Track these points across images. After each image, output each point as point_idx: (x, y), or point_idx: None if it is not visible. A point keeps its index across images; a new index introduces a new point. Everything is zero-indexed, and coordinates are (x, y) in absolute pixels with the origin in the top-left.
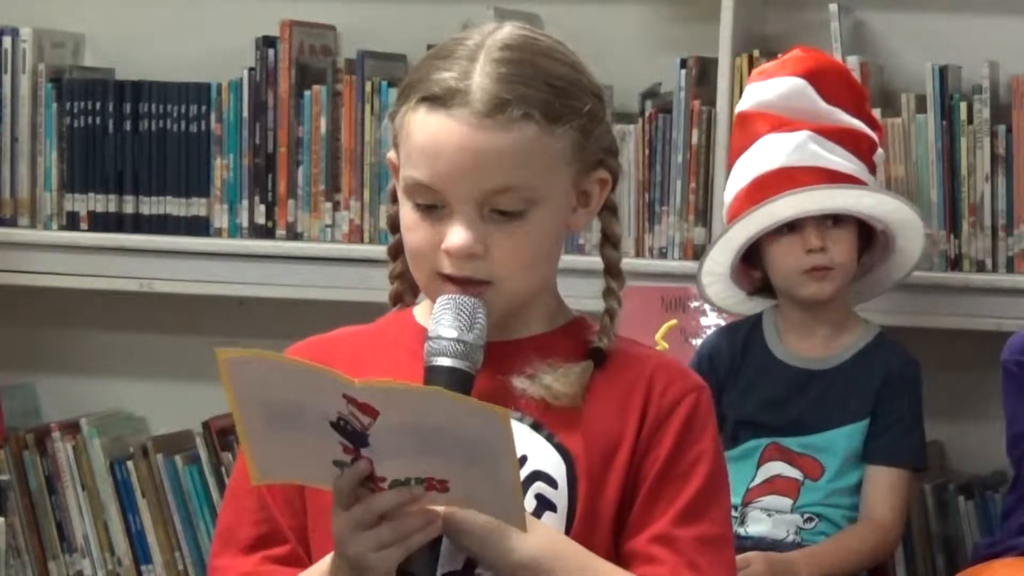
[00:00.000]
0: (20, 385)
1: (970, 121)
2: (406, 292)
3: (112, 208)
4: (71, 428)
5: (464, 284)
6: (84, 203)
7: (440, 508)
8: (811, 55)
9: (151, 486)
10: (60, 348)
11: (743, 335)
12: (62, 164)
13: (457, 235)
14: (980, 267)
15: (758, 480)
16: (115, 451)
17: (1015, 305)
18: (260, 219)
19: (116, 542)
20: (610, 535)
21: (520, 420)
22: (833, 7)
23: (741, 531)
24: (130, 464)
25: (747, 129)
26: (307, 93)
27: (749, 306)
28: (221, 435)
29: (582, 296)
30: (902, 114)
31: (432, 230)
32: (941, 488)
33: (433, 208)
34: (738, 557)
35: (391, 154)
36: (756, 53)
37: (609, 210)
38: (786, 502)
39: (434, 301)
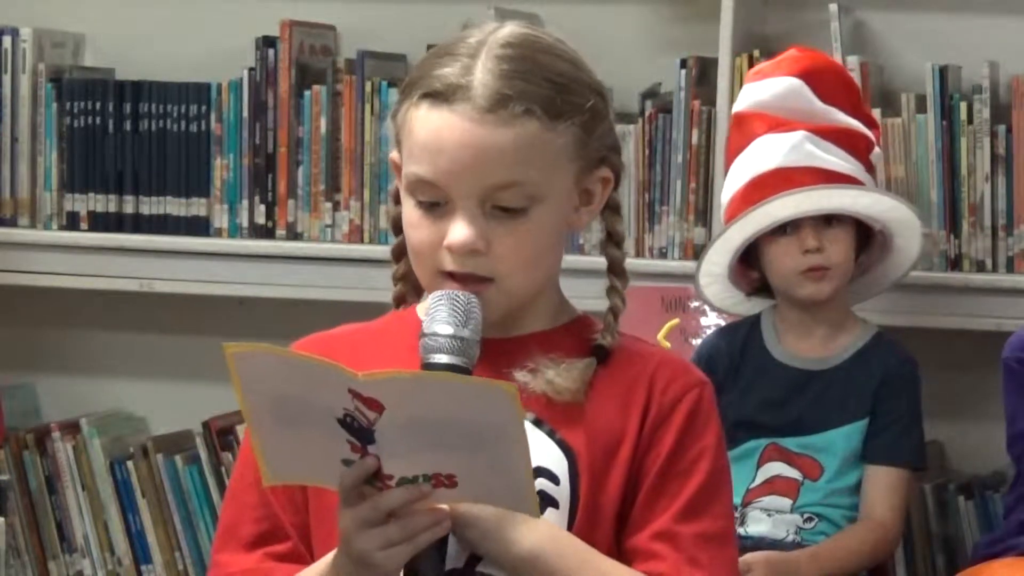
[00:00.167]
0: (20, 385)
1: (970, 121)
2: (409, 294)
3: (112, 208)
4: (71, 428)
5: (466, 281)
6: (84, 203)
7: (446, 506)
8: (807, 55)
9: (151, 486)
10: (60, 348)
11: (742, 336)
12: (62, 164)
13: (459, 231)
14: (980, 267)
15: (758, 481)
16: (115, 451)
17: (1015, 305)
18: (260, 219)
19: (116, 542)
20: (612, 531)
21: None
22: (833, 7)
23: (741, 531)
24: (130, 464)
25: (743, 130)
26: (307, 93)
27: (747, 306)
28: (221, 435)
29: (583, 296)
30: (902, 114)
31: (434, 227)
32: (941, 488)
33: (435, 205)
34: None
35: (393, 154)
36: (756, 53)
37: (612, 209)
38: (786, 502)
39: None
